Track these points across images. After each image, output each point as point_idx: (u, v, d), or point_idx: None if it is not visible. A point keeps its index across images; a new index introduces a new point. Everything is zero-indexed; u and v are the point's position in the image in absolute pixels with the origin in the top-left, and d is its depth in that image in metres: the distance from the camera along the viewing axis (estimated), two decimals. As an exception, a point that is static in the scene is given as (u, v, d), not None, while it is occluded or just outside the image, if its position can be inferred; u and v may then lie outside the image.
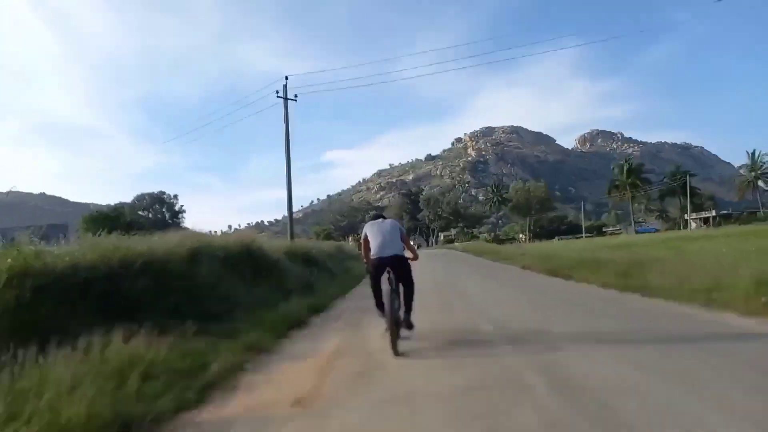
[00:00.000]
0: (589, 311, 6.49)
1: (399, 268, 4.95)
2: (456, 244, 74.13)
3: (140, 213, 57.88)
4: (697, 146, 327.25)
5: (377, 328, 5.15)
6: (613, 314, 6.10)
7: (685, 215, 69.69)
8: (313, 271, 12.06)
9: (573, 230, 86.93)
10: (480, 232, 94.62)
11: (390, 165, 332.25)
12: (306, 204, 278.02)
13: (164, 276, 5.77)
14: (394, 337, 4.54)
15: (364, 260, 5.39)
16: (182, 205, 60.48)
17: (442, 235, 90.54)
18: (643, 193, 64.93)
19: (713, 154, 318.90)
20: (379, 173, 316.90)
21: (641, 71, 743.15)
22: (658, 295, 6.85)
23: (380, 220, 5.33)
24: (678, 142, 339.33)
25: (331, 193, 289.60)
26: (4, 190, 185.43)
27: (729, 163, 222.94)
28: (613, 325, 5.42)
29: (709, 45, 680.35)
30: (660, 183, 68.27)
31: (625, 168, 64.38)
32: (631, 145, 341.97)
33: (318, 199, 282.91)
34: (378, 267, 4.97)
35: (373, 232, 5.11)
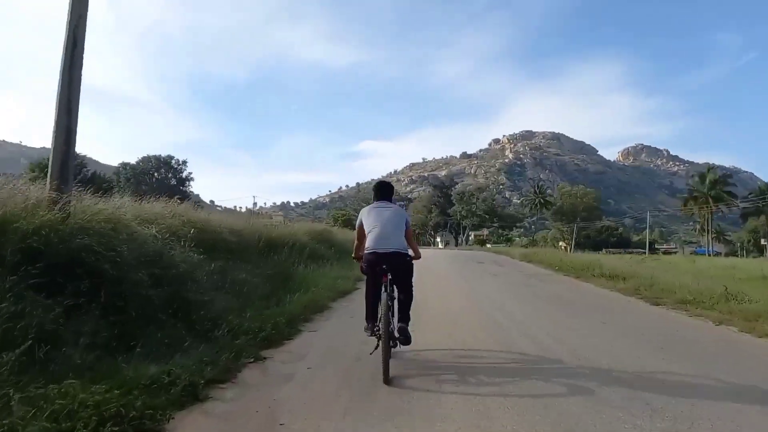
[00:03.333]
0: None
1: (398, 269, 3.84)
2: (489, 246, 65.15)
3: (143, 175, 55.70)
4: (747, 171, 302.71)
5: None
6: None
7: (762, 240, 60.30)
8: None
9: (622, 244, 77.49)
10: (514, 236, 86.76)
11: (423, 159, 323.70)
12: (334, 189, 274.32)
13: None
14: (387, 359, 3.52)
15: (353, 256, 4.32)
16: (191, 173, 57.29)
17: (473, 234, 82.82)
18: (727, 208, 54.67)
19: (764, 181, 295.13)
20: (412, 166, 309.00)
21: (691, 91, 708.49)
22: None
23: (382, 203, 4.11)
24: (726, 165, 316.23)
25: (361, 182, 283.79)
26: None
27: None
28: None
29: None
30: (745, 199, 57.55)
31: (708, 178, 53.67)
32: (677, 163, 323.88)
33: (347, 185, 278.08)
34: (372, 264, 3.84)
35: (370, 219, 3.97)
